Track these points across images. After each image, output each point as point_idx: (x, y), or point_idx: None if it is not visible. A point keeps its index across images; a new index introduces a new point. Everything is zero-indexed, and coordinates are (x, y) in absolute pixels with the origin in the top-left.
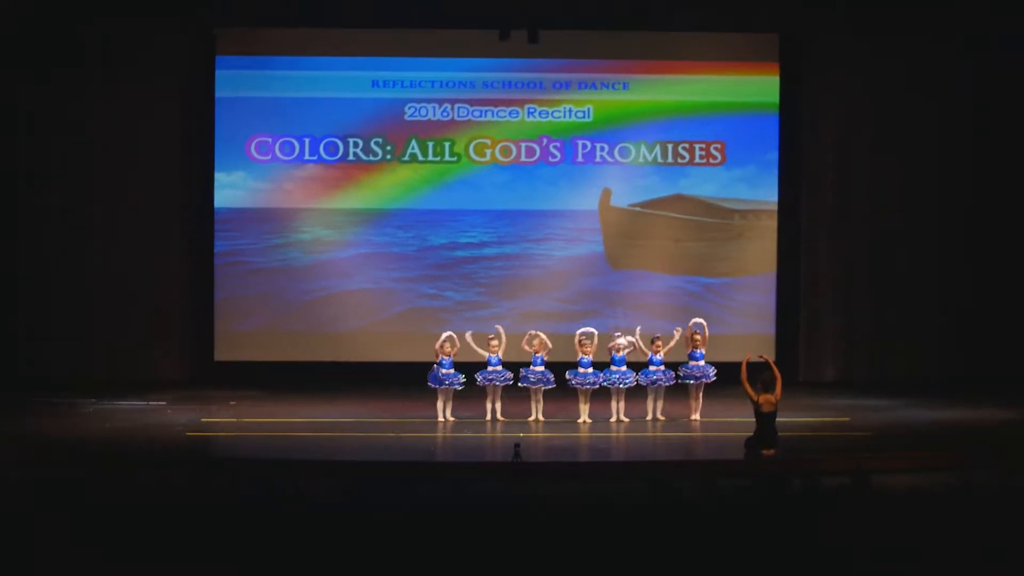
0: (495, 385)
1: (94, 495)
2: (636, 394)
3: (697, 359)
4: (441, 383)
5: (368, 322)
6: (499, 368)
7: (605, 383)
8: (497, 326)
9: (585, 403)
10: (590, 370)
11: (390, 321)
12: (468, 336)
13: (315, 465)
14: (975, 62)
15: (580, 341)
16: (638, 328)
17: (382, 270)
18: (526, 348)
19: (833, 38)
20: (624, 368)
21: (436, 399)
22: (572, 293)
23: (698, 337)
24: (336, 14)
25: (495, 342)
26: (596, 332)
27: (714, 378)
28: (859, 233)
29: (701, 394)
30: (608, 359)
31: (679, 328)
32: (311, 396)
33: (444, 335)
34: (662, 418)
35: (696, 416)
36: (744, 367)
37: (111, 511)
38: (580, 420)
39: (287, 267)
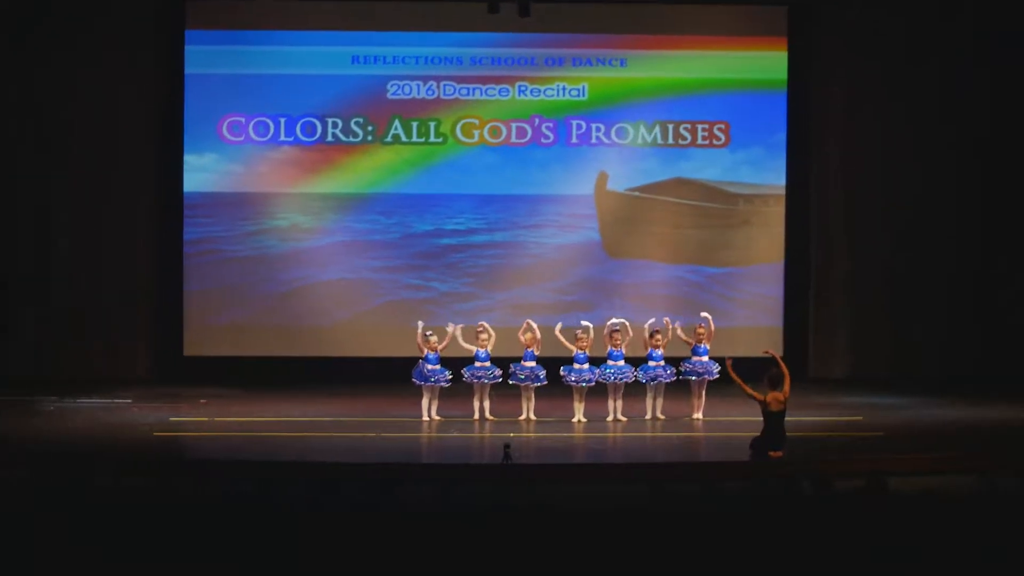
0: (483, 382)
1: (54, 498)
2: (634, 392)
3: (700, 354)
4: (426, 380)
5: (348, 315)
6: (488, 364)
7: (601, 379)
8: (482, 323)
9: (580, 401)
10: (585, 366)
11: (371, 314)
12: (456, 330)
13: (290, 467)
14: (992, 35)
15: (579, 337)
16: (650, 321)
17: (363, 259)
18: (522, 339)
19: (844, 11)
20: (622, 363)
21: (420, 397)
22: (566, 284)
23: (702, 331)
24: None
25: (484, 336)
26: (591, 325)
27: (718, 375)
28: (873, 219)
29: (704, 392)
30: (604, 353)
31: (668, 319)
32: (287, 394)
33: (420, 326)
34: (662, 417)
35: (698, 415)
36: (740, 382)
37: (72, 514)
38: (574, 419)
39: (261, 256)
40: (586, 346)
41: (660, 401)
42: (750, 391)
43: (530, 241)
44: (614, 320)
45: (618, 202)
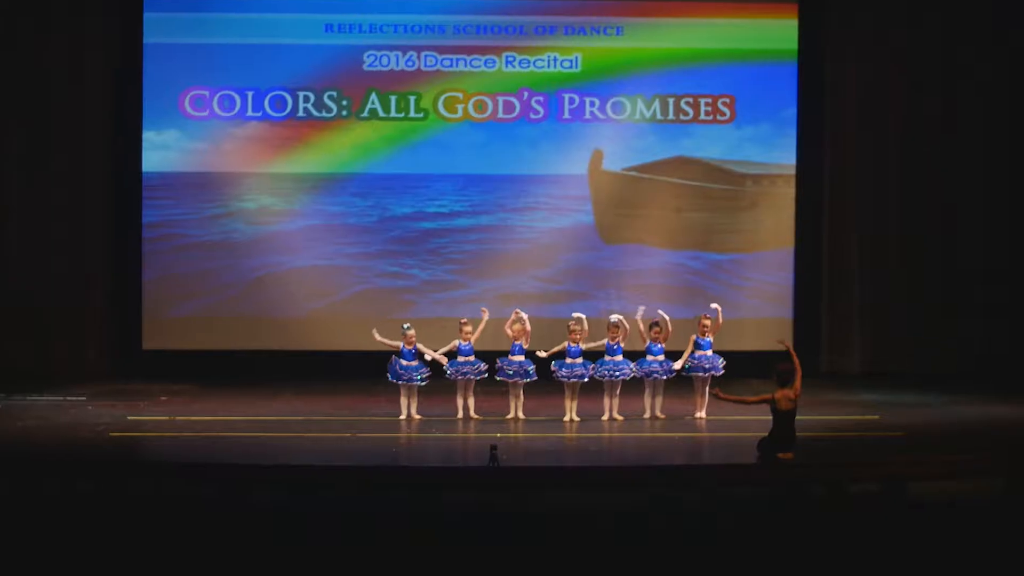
0: (468, 378)
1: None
2: (632, 388)
3: (704, 348)
4: (399, 377)
5: (321, 305)
6: (472, 358)
7: (596, 375)
8: (483, 308)
9: (572, 399)
10: (578, 360)
11: (346, 304)
12: (485, 315)
13: (258, 471)
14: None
15: (572, 329)
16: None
17: (337, 244)
18: (508, 332)
19: None
20: (619, 358)
21: (399, 394)
22: (557, 271)
23: (707, 323)
24: None
25: (468, 328)
26: (585, 316)
27: (723, 371)
28: (892, 201)
29: (708, 388)
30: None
31: (662, 313)
32: (254, 391)
33: (375, 334)
34: (662, 416)
35: (701, 414)
36: (739, 400)
37: (21, 519)
38: (566, 418)
39: (227, 241)
40: (579, 339)
41: (659, 399)
42: (755, 399)
43: (518, 225)
44: (615, 315)
45: (614, 183)
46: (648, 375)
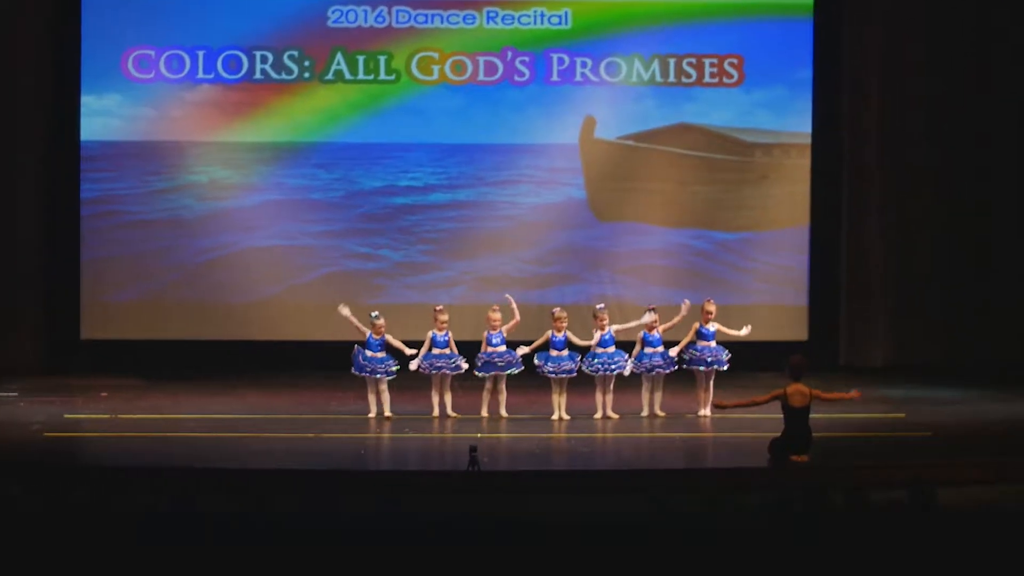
0: (444, 372)
1: None
2: (628, 384)
3: (707, 338)
4: (363, 370)
5: (280, 289)
6: (448, 351)
7: (588, 370)
8: (508, 296)
9: (561, 394)
10: (564, 352)
11: (309, 288)
12: (512, 303)
13: (211, 476)
14: None
15: (558, 316)
16: (647, 313)
17: (298, 222)
18: (492, 319)
19: None
20: (612, 350)
21: (367, 389)
22: (544, 252)
23: (712, 309)
24: None
25: (443, 316)
26: (605, 305)
27: (728, 364)
28: (919, 174)
29: (712, 384)
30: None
31: (687, 301)
32: (206, 386)
33: (343, 310)
34: (661, 414)
35: (705, 412)
36: (748, 403)
37: None
38: (555, 416)
39: (175, 219)
40: (563, 327)
41: (659, 395)
42: (765, 397)
43: (501, 200)
44: (601, 304)
45: (608, 153)
46: (650, 370)
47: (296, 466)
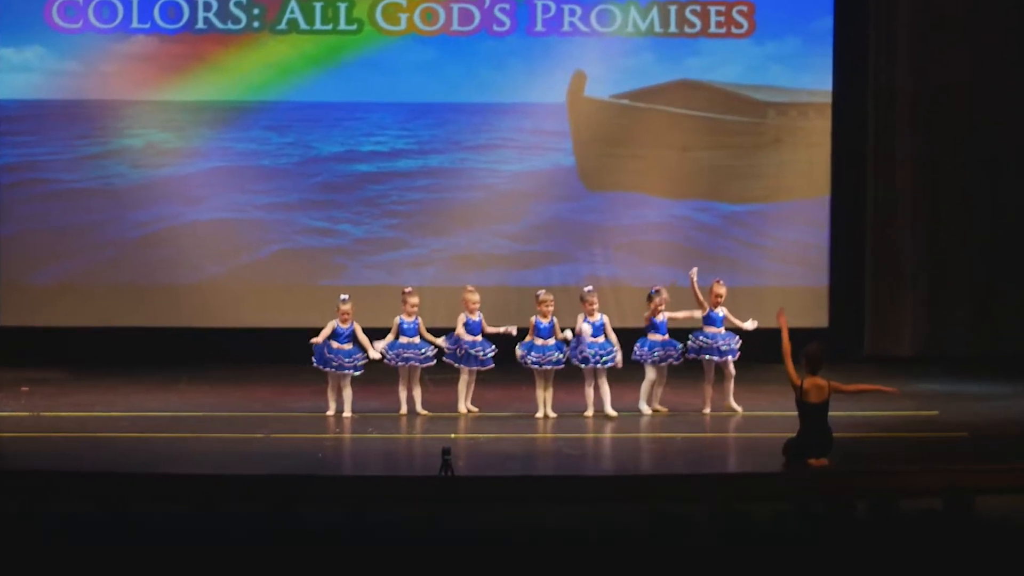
0: (412, 364)
1: None
2: (624, 377)
3: (716, 324)
4: (329, 364)
5: (225, 269)
6: (418, 340)
7: (576, 362)
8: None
9: (547, 389)
10: (551, 341)
11: (258, 268)
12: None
13: (148, 482)
14: None
15: (543, 300)
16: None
17: (247, 192)
18: (470, 302)
19: None
20: (602, 340)
21: (325, 383)
22: (527, 227)
23: (721, 291)
24: None
25: (413, 300)
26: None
27: (739, 353)
28: (954, 138)
29: (725, 374)
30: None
31: (695, 272)
32: (141, 379)
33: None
34: (663, 411)
35: (708, 411)
36: (786, 340)
37: None
38: (539, 414)
39: (106, 188)
40: (549, 312)
41: (660, 389)
42: (792, 372)
43: (478, 168)
44: (589, 286)
45: (600, 114)
46: (662, 360)
47: (244, 471)
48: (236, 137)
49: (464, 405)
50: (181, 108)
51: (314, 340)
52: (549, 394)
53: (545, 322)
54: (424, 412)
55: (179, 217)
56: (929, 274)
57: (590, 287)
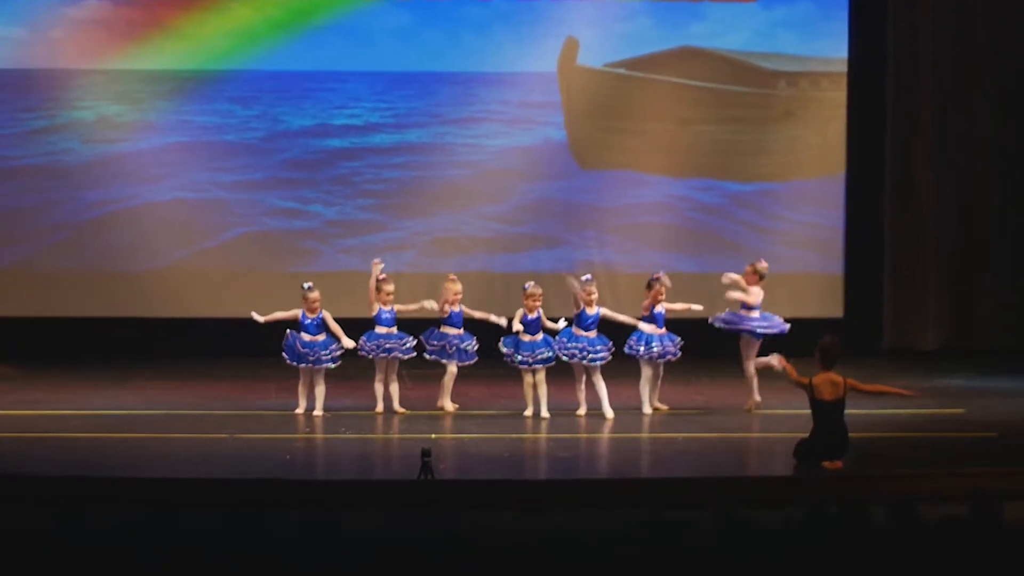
0: (390, 357)
1: None
2: (619, 373)
3: (751, 307)
4: (302, 359)
5: (186, 254)
6: (395, 330)
7: (566, 358)
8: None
9: (537, 387)
10: (539, 336)
11: (222, 253)
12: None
13: (101, 486)
14: None
15: (531, 293)
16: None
17: (209, 170)
18: (450, 292)
19: None
20: (594, 334)
21: (296, 379)
22: (514, 207)
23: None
24: None
25: (389, 287)
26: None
27: (763, 335)
28: (983, 111)
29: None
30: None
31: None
32: (94, 375)
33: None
34: (663, 408)
35: (757, 398)
36: (792, 371)
37: None
38: (527, 412)
39: (55, 166)
40: (536, 305)
41: (657, 384)
42: (795, 375)
43: (461, 143)
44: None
45: (594, 84)
46: (661, 356)
47: (206, 474)
48: (197, 110)
49: (447, 402)
50: (137, 78)
51: (265, 318)
52: (542, 391)
53: (533, 316)
54: (401, 410)
55: (135, 198)
56: (954, 260)
57: (588, 276)
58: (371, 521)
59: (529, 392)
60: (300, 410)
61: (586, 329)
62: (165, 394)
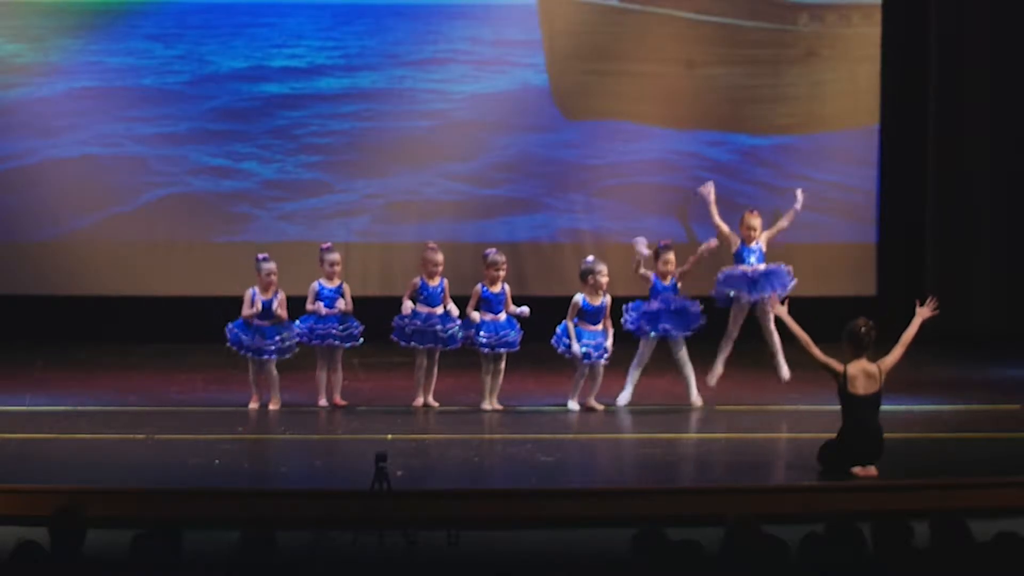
0: (335, 345)
1: None
2: (615, 362)
3: (751, 260)
4: (242, 347)
5: (94, 222)
6: (338, 312)
7: (560, 350)
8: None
9: (495, 376)
10: (503, 317)
11: (140, 218)
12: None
13: (11, 496)
14: None
15: (493, 261)
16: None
17: (123, 121)
18: (432, 263)
19: None
20: (600, 327)
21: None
22: (487, 165)
23: (756, 224)
24: None
25: (334, 257)
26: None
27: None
28: None
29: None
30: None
31: (709, 187)
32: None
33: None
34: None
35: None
36: (796, 328)
37: None
38: (485, 406)
39: None
40: (502, 278)
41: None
42: (818, 355)
43: (422, 89)
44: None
45: (582, 18)
46: (667, 333)
47: (121, 483)
48: (109, 49)
49: (426, 398)
50: (36, 11)
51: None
52: (497, 382)
53: (496, 290)
54: (342, 403)
55: (33, 154)
56: (1007, 228)
57: (591, 257)
58: (314, 537)
59: (488, 383)
60: (254, 404)
61: (592, 323)
62: (68, 386)
